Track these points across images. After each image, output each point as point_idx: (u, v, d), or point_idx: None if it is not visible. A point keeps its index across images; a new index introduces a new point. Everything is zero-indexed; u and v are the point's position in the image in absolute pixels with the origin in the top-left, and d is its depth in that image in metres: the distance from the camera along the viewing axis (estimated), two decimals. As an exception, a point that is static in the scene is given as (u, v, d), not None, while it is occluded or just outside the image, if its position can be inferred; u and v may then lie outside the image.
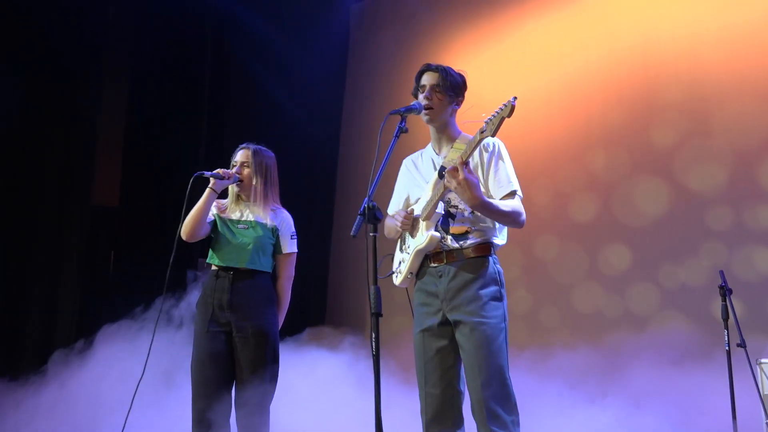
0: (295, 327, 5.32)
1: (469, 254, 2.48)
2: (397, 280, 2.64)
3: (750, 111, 5.29)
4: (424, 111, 2.56)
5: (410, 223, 2.53)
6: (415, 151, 2.85)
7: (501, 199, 2.52)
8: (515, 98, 2.27)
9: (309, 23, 7.68)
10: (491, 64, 6.93)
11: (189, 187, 3.06)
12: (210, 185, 3.10)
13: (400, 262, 2.60)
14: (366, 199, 2.16)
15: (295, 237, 3.30)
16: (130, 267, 6.24)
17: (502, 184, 2.53)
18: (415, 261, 2.54)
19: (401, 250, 2.66)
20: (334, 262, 7.57)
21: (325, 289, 7.50)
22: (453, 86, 2.61)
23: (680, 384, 4.40)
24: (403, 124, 2.38)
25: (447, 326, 2.48)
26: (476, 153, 2.54)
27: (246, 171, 3.20)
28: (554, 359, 4.97)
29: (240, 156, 3.26)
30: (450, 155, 2.52)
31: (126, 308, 4.71)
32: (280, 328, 3.24)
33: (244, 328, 3.06)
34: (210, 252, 3.22)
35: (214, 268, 3.18)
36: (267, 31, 7.70)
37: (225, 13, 7.18)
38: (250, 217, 3.18)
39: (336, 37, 7.97)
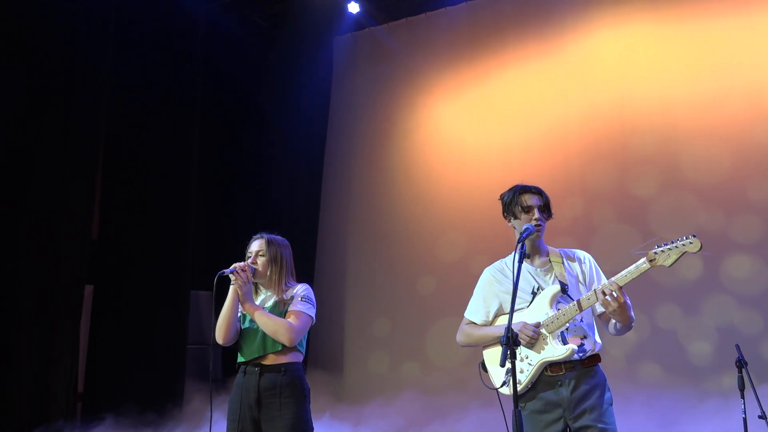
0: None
1: (585, 363, 2.73)
2: (508, 389, 2.68)
3: (717, 165, 5.79)
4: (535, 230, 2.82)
5: (537, 338, 2.73)
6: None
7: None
8: (695, 235, 2.56)
9: (297, 52, 7.86)
10: (471, 108, 7.21)
11: (214, 287, 3.03)
12: (233, 282, 3.11)
13: (507, 372, 2.64)
14: (506, 327, 2.34)
15: (307, 301, 3.19)
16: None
17: None
18: (537, 371, 2.74)
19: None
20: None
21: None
22: (550, 204, 2.94)
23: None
24: (524, 248, 2.64)
25: None
26: (577, 265, 2.88)
27: (261, 260, 3.21)
28: None
29: (255, 245, 3.26)
30: (556, 269, 2.84)
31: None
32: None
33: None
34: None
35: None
36: (260, 59, 7.88)
37: (215, 48, 7.22)
38: (269, 304, 3.20)
39: (321, 69, 8.13)
